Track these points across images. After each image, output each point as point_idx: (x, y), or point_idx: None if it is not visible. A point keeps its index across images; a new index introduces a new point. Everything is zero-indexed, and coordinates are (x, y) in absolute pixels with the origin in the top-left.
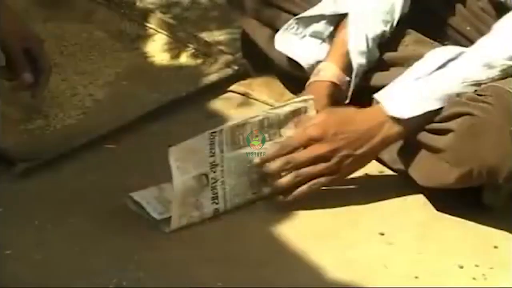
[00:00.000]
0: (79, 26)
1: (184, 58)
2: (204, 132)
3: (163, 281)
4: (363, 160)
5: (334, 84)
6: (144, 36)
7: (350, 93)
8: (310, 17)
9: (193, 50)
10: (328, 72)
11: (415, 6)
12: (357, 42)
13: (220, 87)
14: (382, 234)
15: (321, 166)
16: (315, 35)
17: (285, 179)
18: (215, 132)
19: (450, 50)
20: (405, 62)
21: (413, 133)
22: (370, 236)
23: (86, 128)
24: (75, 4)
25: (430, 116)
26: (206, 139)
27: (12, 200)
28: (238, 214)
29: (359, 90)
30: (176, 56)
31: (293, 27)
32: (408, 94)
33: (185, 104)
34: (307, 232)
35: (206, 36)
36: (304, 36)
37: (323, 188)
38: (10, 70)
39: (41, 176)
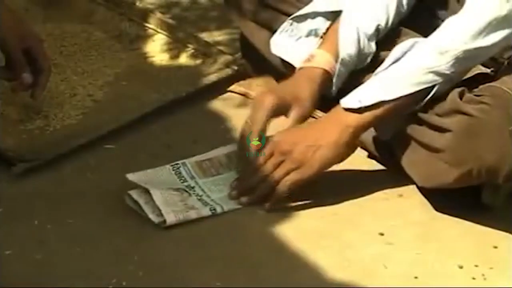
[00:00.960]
0: (78, 26)
1: (184, 58)
2: (165, 165)
3: (163, 281)
4: (328, 148)
5: (326, 72)
6: (144, 37)
7: (335, 80)
8: (305, 14)
9: (192, 50)
10: (322, 59)
11: (416, 7)
12: (347, 32)
13: (219, 88)
14: (382, 234)
15: (285, 163)
16: (311, 33)
17: (261, 192)
18: (177, 164)
19: (405, 43)
20: None
21: (381, 122)
22: (369, 236)
23: (86, 128)
24: (75, 5)
25: (401, 104)
26: (170, 171)
27: (12, 200)
28: (238, 214)
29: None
30: (175, 56)
31: (288, 29)
32: (364, 87)
33: (185, 104)
34: (306, 232)
35: (205, 36)
36: (300, 37)
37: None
38: (9, 70)
39: (40, 176)
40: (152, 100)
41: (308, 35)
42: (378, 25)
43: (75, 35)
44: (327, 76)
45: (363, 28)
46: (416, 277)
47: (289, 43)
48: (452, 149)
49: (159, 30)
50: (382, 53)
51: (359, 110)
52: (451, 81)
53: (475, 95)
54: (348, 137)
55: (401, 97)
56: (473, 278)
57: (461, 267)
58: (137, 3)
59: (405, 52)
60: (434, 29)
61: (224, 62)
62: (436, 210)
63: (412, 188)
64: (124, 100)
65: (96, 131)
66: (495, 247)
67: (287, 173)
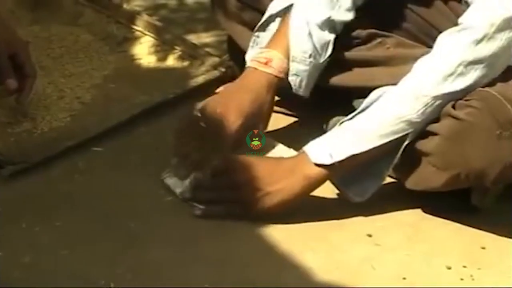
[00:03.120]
0: (66, 28)
1: (171, 61)
2: None
3: (151, 282)
4: (279, 198)
5: (280, 79)
6: (131, 39)
7: (289, 77)
8: (266, 20)
9: (180, 53)
10: (278, 65)
11: (399, 9)
12: (297, 26)
13: (207, 89)
14: (370, 236)
15: (231, 194)
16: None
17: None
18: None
19: (373, 93)
20: (388, 63)
21: (349, 170)
22: (358, 237)
23: (74, 130)
24: (62, 7)
25: (372, 155)
26: None
27: (0, 203)
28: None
29: (336, 91)
30: (163, 58)
31: (257, 42)
32: (332, 139)
33: (173, 107)
34: (295, 234)
35: (193, 38)
36: None
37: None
38: None
39: (28, 178)
40: (140, 102)
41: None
42: (329, 16)
43: (62, 38)
44: (281, 81)
45: (314, 18)
46: (404, 278)
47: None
48: (440, 153)
49: (146, 32)
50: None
51: (328, 165)
52: (421, 130)
53: (464, 99)
54: (306, 189)
55: (372, 148)
56: (461, 279)
57: (449, 268)
58: (125, 5)
59: (373, 102)
60: (418, 31)
61: (212, 64)
62: (425, 211)
63: (401, 189)
64: (112, 102)
65: (84, 133)
66: (483, 248)
67: (227, 201)
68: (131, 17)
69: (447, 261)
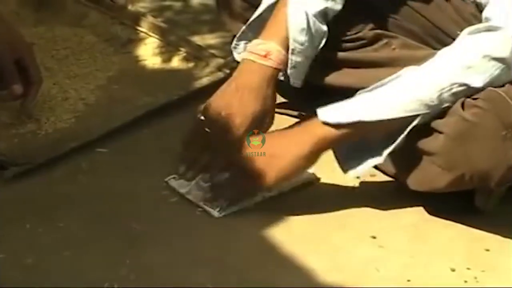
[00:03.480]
0: (70, 29)
1: (176, 62)
2: None
3: (154, 284)
4: (288, 159)
5: (279, 70)
6: (136, 40)
7: (288, 71)
8: (261, 14)
9: (184, 54)
10: (277, 57)
11: (404, 10)
12: (296, 18)
13: (211, 91)
14: (374, 237)
15: (245, 169)
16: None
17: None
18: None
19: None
20: (393, 63)
21: (354, 138)
22: (361, 239)
23: (78, 132)
24: (66, 8)
25: (379, 128)
26: None
27: (4, 204)
28: (230, 218)
29: (332, 88)
30: (167, 60)
31: (248, 34)
32: (345, 103)
33: (177, 108)
34: (298, 236)
35: (197, 39)
36: None
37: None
38: (0, 80)
39: (32, 180)
40: (144, 104)
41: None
42: (326, 7)
43: (66, 39)
44: (278, 72)
45: (310, 9)
46: (408, 280)
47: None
48: (445, 153)
49: (151, 34)
50: (373, 55)
51: (335, 125)
52: (434, 114)
53: (472, 98)
54: (313, 149)
55: (381, 120)
56: (465, 281)
57: (453, 270)
58: (129, 7)
59: (393, 79)
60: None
61: (216, 66)
62: (429, 213)
63: (404, 191)
64: (116, 103)
65: (88, 134)
66: (488, 250)
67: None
68: (136, 18)
69: (451, 263)
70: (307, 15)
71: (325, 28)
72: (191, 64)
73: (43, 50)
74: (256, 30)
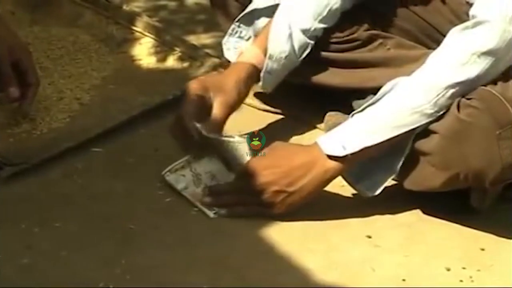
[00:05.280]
0: (65, 29)
1: (171, 62)
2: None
3: (150, 284)
4: (300, 196)
5: (253, 66)
6: (131, 40)
7: (263, 75)
8: (249, 14)
9: (179, 54)
10: (249, 54)
11: (400, 10)
12: (278, 28)
13: None
14: (369, 237)
15: (255, 198)
16: (258, 32)
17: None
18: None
19: (386, 85)
20: (388, 63)
21: (360, 163)
22: (357, 238)
23: (73, 131)
24: (62, 8)
25: (385, 146)
26: None
27: None
28: (226, 218)
29: (330, 89)
30: (162, 59)
31: (237, 31)
32: (345, 131)
33: (172, 108)
34: (294, 235)
35: (192, 39)
36: (250, 37)
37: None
38: None
39: (28, 179)
40: (140, 103)
41: (256, 35)
42: (318, 14)
43: (62, 39)
44: (255, 69)
45: (297, 23)
46: (403, 280)
47: (241, 44)
48: (440, 152)
49: (146, 33)
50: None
51: (342, 157)
52: (433, 119)
53: (465, 98)
54: (324, 183)
55: (385, 140)
56: (461, 281)
57: (448, 270)
58: (124, 6)
59: (385, 94)
60: (420, 32)
61: (211, 65)
62: (424, 212)
63: (400, 190)
64: (111, 103)
65: (84, 134)
66: (483, 249)
67: (249, 204)
68: (131, 18)
69: (447, 262)
70: (290, 26)
71: (309, 41)
72: (186, 64)
73: (38, 50)
74: (246, 26)
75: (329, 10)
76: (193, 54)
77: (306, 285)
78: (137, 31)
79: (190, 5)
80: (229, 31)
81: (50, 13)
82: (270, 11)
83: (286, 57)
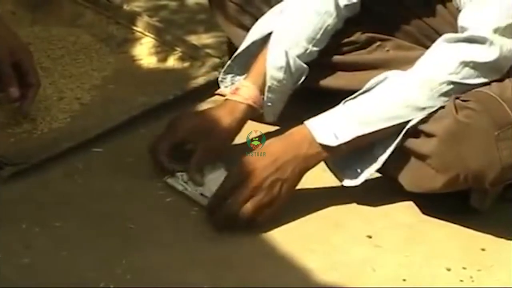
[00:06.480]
0: (66, 29)
1: (171, 62)
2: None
3: (150, 284)
4: (294, 181)
5: (249, 106)
6: (131, 40)
7: (266, 110)
8: (247, 48)
9: (180, 54)
10: (246, 93)
11: (400, 11)
12: (275, 56)
13: (207, 91)
14: (370, 237)
15: (255, 199)
16: (251, 64)
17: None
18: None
19: (379, 76)
20: (387, 65)
21: (350, 150)
22: (357, 239)
23: (73, 131)
24: (62, 8)
25: (377, 135)
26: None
27: (0, 204)
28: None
29: (329, 91)
30: (163, 59)
31: (233, 68)
32: (337, 119)
33: (173, 108)
34: (294, 235)
35: (193, 39)
36: (244, 73)
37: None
38: None
39: (28, 179)
40: (140, 104)
41: (250, 67)
42: (312, 38)
43: (62, 38)
44: (251, 109)
45: (292, 49)
46: (404, 280)
47: (236, 79)
48: (439, 155)
49: (146, 33)
50: (367, 56)
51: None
52: (427, 114)
53: (462, 100)
54: (314, 165)
55: (377, 131)
56: (461, 281)
57: (449, 270)
58: (125, 6)
59: (378, 83)
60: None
61: (212, 65)
62: (424, 213)
63: (400, 191)
64: (111, 103)
65: (84, 134)
66: (483, 249)
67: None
68: (131, 18)
69: (447, 262)
70: (287, 54)
71: (305, 66)
72: (186, 64)
73: (39, 49)
74: (242, 64)
75: (323, 32)
76: (193, 54)
77: (307, 285)
78: (137, 31)
79: (191, 5)
80: (225, 67)
81: (51, 13)
82: (265, 40)
83: (284, 85)
